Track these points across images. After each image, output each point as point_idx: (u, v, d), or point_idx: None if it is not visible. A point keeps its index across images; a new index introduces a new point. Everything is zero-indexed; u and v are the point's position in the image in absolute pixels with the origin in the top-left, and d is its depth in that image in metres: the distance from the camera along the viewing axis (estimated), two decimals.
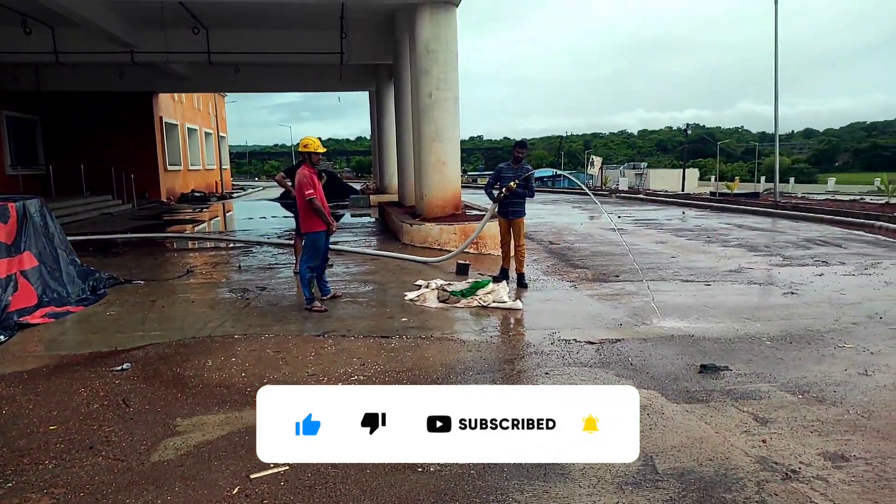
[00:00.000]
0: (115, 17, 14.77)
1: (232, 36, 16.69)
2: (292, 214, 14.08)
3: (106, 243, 12.81)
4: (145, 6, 14.36)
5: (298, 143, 7.17)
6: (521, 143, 8.24)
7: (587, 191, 12.20)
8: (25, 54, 16.12)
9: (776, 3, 22.37)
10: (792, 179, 51.79)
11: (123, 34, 15.30)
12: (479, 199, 18.94)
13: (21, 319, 6.24)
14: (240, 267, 9.73)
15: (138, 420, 3.95)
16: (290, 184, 8.57)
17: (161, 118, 26.22)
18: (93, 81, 21.45)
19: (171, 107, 27.99)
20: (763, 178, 46.69)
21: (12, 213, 6.83)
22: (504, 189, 7.72)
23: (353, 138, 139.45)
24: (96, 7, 13.59)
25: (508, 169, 7.94)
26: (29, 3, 12.83)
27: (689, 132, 64.44)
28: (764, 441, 3.59)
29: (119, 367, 4.91)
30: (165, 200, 25.65)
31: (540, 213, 19.74)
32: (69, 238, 8.24)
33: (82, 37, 15.54)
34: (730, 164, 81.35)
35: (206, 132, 34.56)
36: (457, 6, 11.44)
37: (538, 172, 19.24)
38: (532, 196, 8.06)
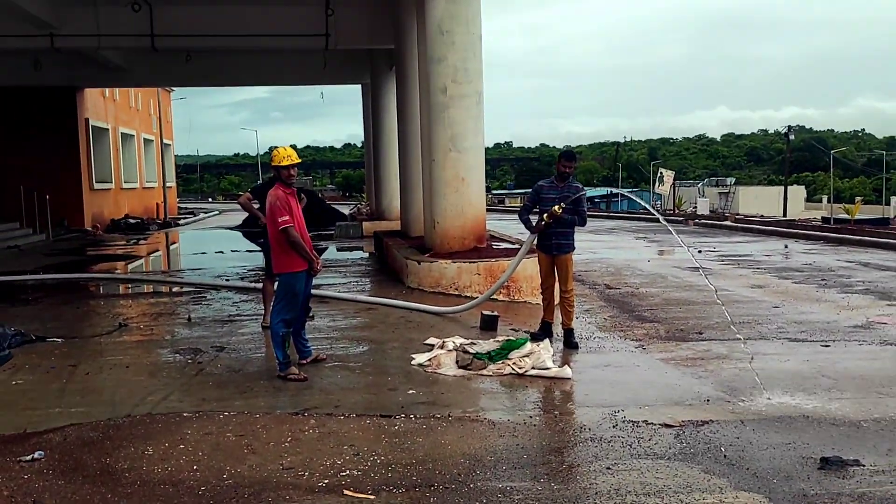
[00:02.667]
0: None
1: (183, 14, 17.12)
2: (260, 249, 14.18)
3: (12, 287, 12.95)
4: None
5: (269, 155, 7.28)
6: (570, 154, 8.32)
7: (657, 214, 12.24)
8: None
9: None
10: None
11: (41, 12, 15.73)
12: (508, 226, 19.05)
13: None
14: (189, 319, 9.80)
15: None
16: (258, 207, 8.68)
17: (87, 121, 26.77)
18: None
19: (101, 106, 28.59)
20: (894, 199, 46.55)
21: None
22: (546, 215, 7.74)
23: (338, 146, 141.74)
24: None
25: (551, 188, 7.98)
26: None
27: (792, 137, 64.56)
28: None
29: (28, 457, 4.91)
30: (91, 229, 26.00)
31: (592, 245, 19.77)
32: None
33: None
34: (848, 181, 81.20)
35: (145, 139, 35.22)
36: None
37: (589, 192, 19.24)
38: (583, 224, 8.09)
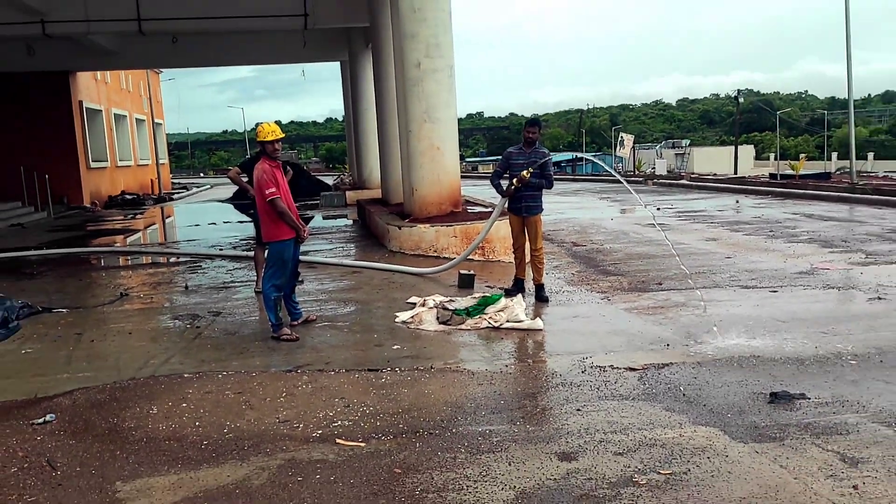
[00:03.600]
0: None
1: None
2: (250, 219, 14.05)
3: (17, 262, 12.81)
4: None
5: (255, 130, 7.20)
6: (534, 121, 8.27)
7: (618, 176, 12.26)
8: None
9: None
10: (871, 155, 52.05)
11: (31, 0, 15.35)
12: (482, 191, 19.03)
13: None
14: (187, 287, 9.75)
15: (68, 486, 3.93)
16: (246, 181, 8.61)
17: (81, 103, 26.31)
18: None
19: (94, 89, 28.08)
20: (835, 155, 47.05)
21: None
22: (515, 180, 7.74)
23: (321, 120, 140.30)
24: None
25: (519, 154, 7.97)
26: None
27: (741, 100, 64.75)
28: (855, 487, 3.59)
29: (41, 420, 4.90)
30: (89, 206, 25.72)
31: (560, 206, 19.81)
32: None
33: None
34: (793, 139, 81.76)
35: (137, 119, 34.67)
36: None
37: (555, 156, 19.19)
38: (550, 187, 8.08)
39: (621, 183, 11.60)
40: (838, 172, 34.02)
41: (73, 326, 7.69)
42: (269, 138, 6.86)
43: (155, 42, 22.07)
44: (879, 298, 7.60)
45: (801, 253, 10.67)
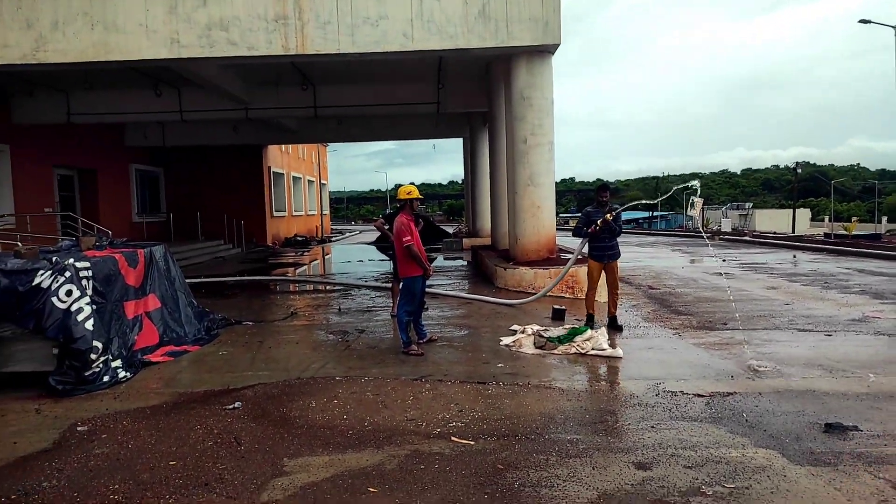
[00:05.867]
0: (234, 77, 16.09)
1: (336, 91, 17.71)
2: (388, 258, 14.38)
3: (218, 285, 13.64)
4: (261, 68, 15.54)
5: (397, 190, 7.41)
6: (604, 186, 8.04)
7: (700, 228, 11.75)
8: (155, 114, 17.84)
9: None
10: None
11: (240, 93, 16.61)
12: (571, 241, 18.68)
13: (144, 357, 6.73)
14: (340, 310, 10.04)
15: (249, 458, 4.11)
16: (388, 229, 8.86)
17: (269, 168, 27.96)
18: (210, 135, 23.29)
19: (279, 157, 29.82)
20: (885, 219, 43.12)
21: (140, 258, 7.47)
22: (599, 221, 7.57)
23: (444, 182, 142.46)
24: (219, 70, 14.87)
25: (596, 212, 7.80)
26: (162, 69, 14.24)
27: (800, 170, 60.84)
28: None
29: (231, 406, 5.16)
30: (271, 244, 27.09)
31: (637, 255, 19.18)
32: (186, 280, 8.86)
33: (204, 97, 17.04)
34: (846, 204, 75.78)
35: (308, 180, 36.45)
36: (552, 54, 11.57)
37: (632, 214, 18.50)
38: (619, 234, 7.89)
39: (697, 235, 11.11)
40: (888, 234, 31.15)
41: (256, 336, 8.08)
42: (414, 195, 7.08)
43: (325, 123, 23.29)
44: None
45: (853, 303, 9.82)
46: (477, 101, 17.94)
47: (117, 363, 6.19)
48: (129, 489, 3.71)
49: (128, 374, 6.18)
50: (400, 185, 7.39)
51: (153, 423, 4.86)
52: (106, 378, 5.91)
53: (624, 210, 8.00)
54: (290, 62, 14.16)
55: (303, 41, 10.61)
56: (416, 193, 7.14)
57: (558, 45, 11.05)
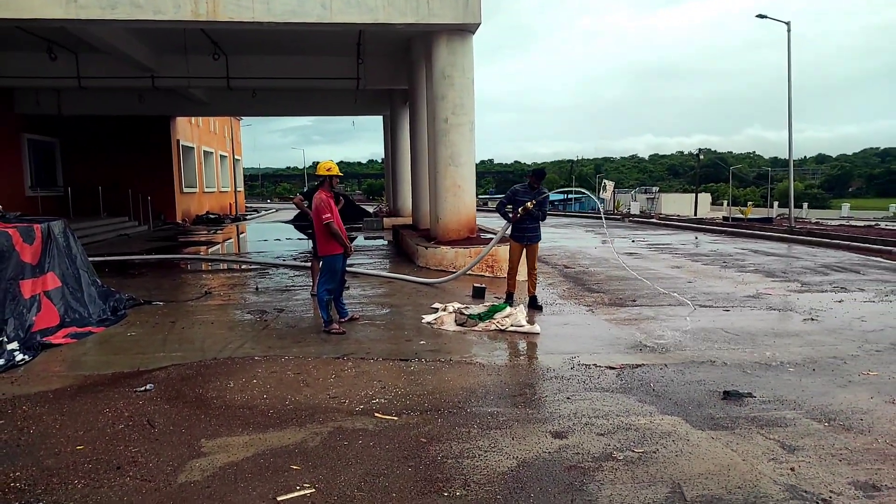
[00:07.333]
0: (139, 43, 15.13)
1: (251, 61, 17.05)
2: (307, 237, 14.07)
3: (124, 264, 12.94)
4: (169, 34, 14.69)
5: (316, 167, 7.27)
6: (540, 173, 7.94)
7: (602, 216, 12.22)
8: (49, 79, 16.51)
9: (788, 31, 22.57)
10: (805, 205, 51.44)
11: (146, 60, 15.66)
12: (491, 221, 19.01)
13: (44, 339, 6.31)
14: (257, 289, 9.79)
15: (164, 441, 3.97)
16: (307, 206, 8.68)
17: (178, 141, 26.65)
18: (112, 105, 21.88)
19: (188, 130, 28.45)
20: (776, 203, 46.50)
21: (37, 234, 6.96)
22: (521, 209, 7.73)
23: (364, 161, 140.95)
24: (122, 34, 13.93)
25: (525, 192, 7.92)
26: (57, 30, 13.17)
27: (702, 157, 64.41)
28: (792, 469, 3.55)
29: (142, 388, 4.95)
30: (181, 222, 25.93)
31: (553, 236, 19.75)
32: (89, 259, 8.34)
33: (105, 62, 15.93)
34: (742, 189, 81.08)
35: (221, 155, 35.03)
36: (473, 34, 11.62)
37: (554, 195, 19.16)
38: (544, 219, 8.07)
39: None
40: (778, 217, 33.67)
41: (168, 316, 7.76)
42: (335, 172, 6.96)
43: (238, 95, 22.37)
44: (812, 319, 7.52)
45: (748, 280, 10.57)
46: (398, 79, 17.80)
47: (13, 345, 5.78)
48: (33, 475, 3.50)
49: (26, 357, 5.78)
50: (318, 162, 7.25)
51: (56, 407, 4.58)
52: (1, 361, 5.50)
53: (551, 193, 8.15)
54: (200, 29, 13.48)
55: (214, 7, 10.12)
56: (335, 170, 7.03)
57: (479, 24, 11.11)
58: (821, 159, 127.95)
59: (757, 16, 23.49)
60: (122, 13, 9.92)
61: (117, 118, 23.44)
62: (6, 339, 5.73)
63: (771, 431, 4.10)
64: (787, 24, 22.74)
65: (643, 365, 5.59)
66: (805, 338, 6.62)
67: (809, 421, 4.29)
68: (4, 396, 4.83)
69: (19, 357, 5.72)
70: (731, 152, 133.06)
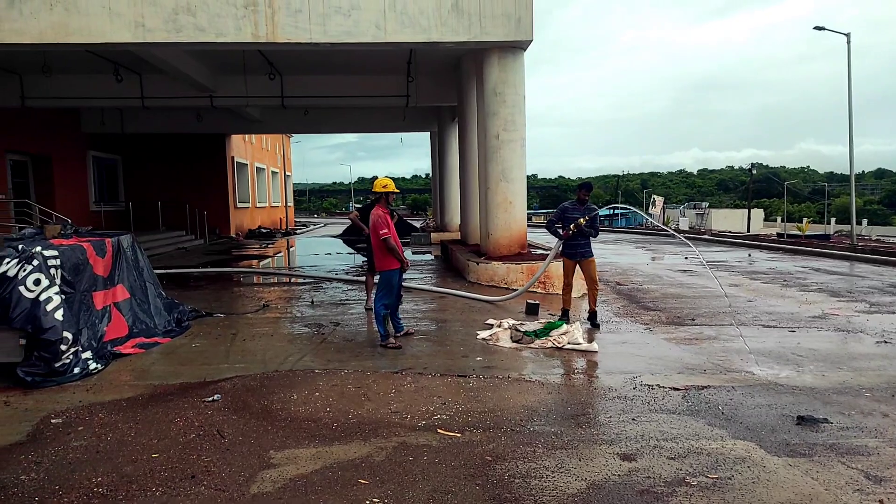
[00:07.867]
0: (199, 64, 15.70)
1: (304, 81, 17.48)
2: (356, 251, 14.17)
3: (184, 277, 13.34)
4: (227, 55, 15.21)
5: (373, 183, 7.35)
6: (587, 186, 7.97)
7: (668, 229, 11.97)
8: (115, 99, 17.28)
9: (848, 42, 21.88)
10: (865, 221, 49.38)
11: (206, 80, 16.23)
12: (537, 237, 18.90)
13: (114, 349, 6.54)
14: (312, 302, 9.93)
15: (234, 451, 4.05)
16: (362, 223, 8.81)
17: (233, 158, 27.43)
18: (172, 124, 22.73)
19: (242, 147, 29.28)
20: (833, 220, 44.83)
21: (108, 247, 7.24)
22: (572, 225, 7.65)
23: (408, 176, 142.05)
24: (183, 56, 14.49)
25: (574, 209, 7.85)
26: (123, 53, 13.79)
27: (755, 171, 62.73)
28: (881, 502, 3.38)
29: (210, 398, 5.06)
30: (234, 236, 26.61)
31: (603, 252, 19.48)
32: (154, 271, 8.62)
33: (167, 83, 16.60)
34: (797, 205, 78.45)
35: (272, 171, 35.91)
36: (524, 50, 11.64)
37: (601, 210, 18.92)
38: (595, 236, 7.97)
39: (668, 235, 11.36)
40: (836, 234, 32.40)
41: (229, 328, 7.94)
42: (391, 189, 7.05)
43: (290, 113, 22.96)
44: (886, 342, 7.17)
45: (812, 300, 10.18)
46: (446, 95, 17.94)
47: (87, 354, 6.00)
48: (113, 482, 3.61)
49: (98, 365, 6.00)
50: (379, 178, 7.35)
51: (130, 415, 4.73)
52: (77, 369, 5.73)
53: (601, 210, 8.08)
54: (257, 50, 13.90)
55: (273, 29, 10.42)
56: (392, 187, 7.11)
57: (530, 41, 11.13)
58: (880, 174, 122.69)
59: (815, 28, 22.83)
60: (186, 36, 10.31)
61: (176, 136, 24.29)
62: (81, 348, 5.96)
63: (853, 460, 3.91)
64: (847, 35, 22.04)
65: (709, 387, 5.43)
66: (879, 361, 6.33)
67: (894, 450, 4.07)
68: (82, 404, 5.02)
69: (93, 366, 5.94)
70: (784, 167, 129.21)
